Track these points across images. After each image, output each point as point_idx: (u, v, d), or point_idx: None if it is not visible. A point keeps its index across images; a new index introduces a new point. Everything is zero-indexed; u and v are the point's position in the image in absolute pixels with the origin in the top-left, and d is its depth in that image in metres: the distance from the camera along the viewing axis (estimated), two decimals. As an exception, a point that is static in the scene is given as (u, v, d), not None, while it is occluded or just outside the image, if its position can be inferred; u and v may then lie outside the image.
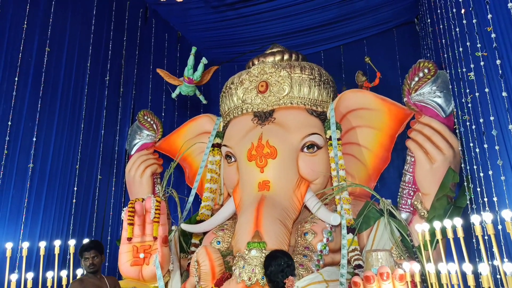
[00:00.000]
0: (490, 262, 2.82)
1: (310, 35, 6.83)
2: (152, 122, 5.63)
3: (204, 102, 5.72)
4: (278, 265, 2.44)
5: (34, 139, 4.34)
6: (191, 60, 5.21)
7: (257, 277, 3.47)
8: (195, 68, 5.26)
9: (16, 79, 4.19)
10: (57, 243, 3.98)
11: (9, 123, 4.09)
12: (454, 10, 3.53)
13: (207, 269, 3.75)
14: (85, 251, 3.22)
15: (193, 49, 5.29)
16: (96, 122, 5.28)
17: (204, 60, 5.17)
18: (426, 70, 4.16)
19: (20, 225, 4.09)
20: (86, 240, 3.84)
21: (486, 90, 2.90)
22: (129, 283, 3.89)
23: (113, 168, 5.51)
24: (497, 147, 2.82)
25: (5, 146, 4.03)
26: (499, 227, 2.78)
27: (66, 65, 4.83)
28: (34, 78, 4.41)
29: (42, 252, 3.83)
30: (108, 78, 5.49)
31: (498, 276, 2.61)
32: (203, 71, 5.28)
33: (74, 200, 4.76)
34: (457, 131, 3.97)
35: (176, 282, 4.02)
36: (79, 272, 3.98)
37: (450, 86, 4.03)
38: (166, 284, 3.89)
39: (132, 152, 5.54)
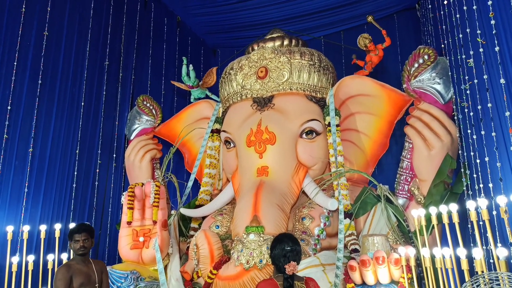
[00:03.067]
0: (484, 247, 2.86)
1: (311, 21, 6.76)
2: (151, 107, 5.63)
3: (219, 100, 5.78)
4: (282, 249, 2.47)
5: (34, 123, 4.35)
6: (183, 70, 5.51)
7: (255, 260, 3.54)
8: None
9: (15, 63, 4.18)
10: (58, 226, 4.03)
11: (9, 107, 4.09)
12: (455, -5, 3.51)
13: (206, 252, 3.80)
14: (76, 233, 3.12)
15: (184, 60, 5.59)
16: (96, 107, 5.27)
17: (184, 61, 5.51)
18: (426, 57, 4.15)
19: (21, 209, 4.13)
20: (78, 224, 3.86)
21: (485, 77, 2.91)
22: (129, 266, 3.94)
23: (113, 153, 5.52)
24: (493, 134, 2.83)
25: (5, 131, 4.04)
26: (494, 213, 2.82)
27: (65, 50, 4.80)
28: (33, 63, 4.39)
29: (42, 235, 3.88)
30: (107, 62, 5.47)
31: (491, 261, 2.66)
32: (195, 73, 5.53)
33: (74, 185, 4.79)
34: (455, 117, 3.98)
35: (175, 265, 4.07)
36: (64, 256, 3.98)
37: (450, 73, 4.03)
38: (165, 267, 3.94)
39: (132, 137, 5.55)
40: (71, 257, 3.37)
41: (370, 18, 5.16)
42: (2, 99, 4.07)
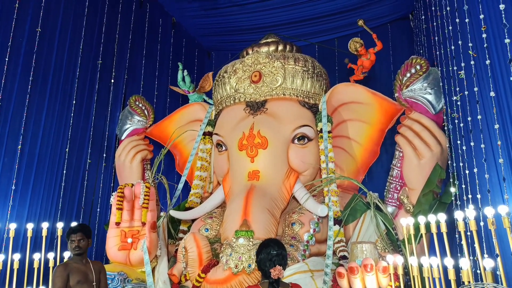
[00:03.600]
0: (471, 257, 2.90)
1: (306, 27, 6.82)
2: (143, 108, 5.60)
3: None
4: (268, 254, 2.46)
5: (24, 120, 4.30)
6: (179, 75, 5.60)
7: (243, 265, 3.53)
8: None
9: (7, 59, 4.14)
10: (45, 225, 3.98)
11: (-1, 103, 4.05)
12: (448, 8, 3.57)
13: (194, 255, 3.79)
14: (71, 234, 3.20)
15: (180, 65, 5.65)
16: (87, 105, 5.24)
17: (180, 67, 5.59)
18: (418, 67, 4.21)
19: (8, 206, 4.08)
20: (74, 223, 3.84)
21: (475, 89, 2.95)
22: (116, 267, 3.91)
23: (103, 152, 5.49)
24: (482, 146, 2.88)
25: (-6, 127, 4.00)
26: (481, 224, 2.85)
27: (58, 47, 4.77)
28: (25, 59, 4.35)
29: (29, 234, 3.82)
30: (100, 61, 5.44)
31: (478, 271, 2.69)
32: (190, 78, 5.63)
33: (63, 183, 4.75)
34: (445, 128, 4.03)
35: (163, 268, 4.05)
36: (67, 254, 3.98)
37: (441, 84, 4.08)
38: (153, 269, 3.92)
39: (123, 137, 5.52)
40: (71, 256, 3.37)
41: (361, 22, 5.21)
42: (-8, 95, 4.03)
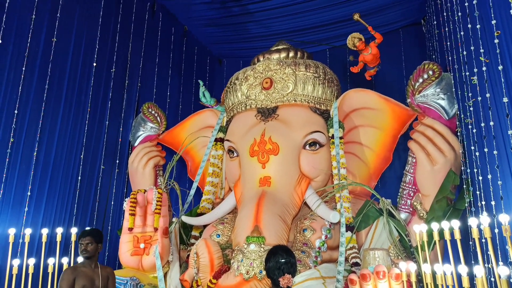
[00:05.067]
0: (485, 265, 2.85)
1: (316, 33, 6.84)
2: (156, 115, 5.66)
3: None
4: (276, 262, 2.45)
5: (40, 128, 4.40)
6: (200, 92, 5.59)
7: (254, 271, 3.53)
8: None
9: (23, 68, 4.24)
10: (59, 230, 4.04)
11: (16, 111, 4.14)
12: (460, 13, 3.55)
13: (206, 261, 3.80)
14: (81, 237, 3.28)
15: (200, 83, 5.66)
16: (101, 113, 5.33)
17: (200, 84, 5.63)
18: (430, 72, 4.18)
19: (23, 212, 4.16)
20: (88, 229, 3.89)
21: (488, 95, 2.93)
22: (128, 272, 3.95)
23: (116, 159, 5.56)
24: (495, 152, 2.84)
25: (11, 134, 4.09)
26: (496, 230, 2.81)
27: (72, 56, 4.87)
28: (40, 68, 4.45)
29: (44, 239, 3.89)
30: (114, 70, 5.53)
31: (492, 279, 2.65)
32: (209, 94, 5.65)
33: (77, 190, 4.82)
34: (459, 133, 3.98)
35: (175, 273, 4.07)
36: (80, 259, 4.02)
37: (454, 89, 4.05)
38: (165, 275, 3.94)
39: (136, 144, 5.59)
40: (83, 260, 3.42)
41: (356, 16, 5.06)
42: (9, 103, 4.12)
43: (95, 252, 3.28)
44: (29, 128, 4.31)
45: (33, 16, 4.36)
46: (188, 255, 4.26)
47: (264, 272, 3.49)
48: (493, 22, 2.75)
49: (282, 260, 2.44)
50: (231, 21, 6.73)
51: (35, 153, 4.33)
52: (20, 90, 4.19)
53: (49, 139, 4.54)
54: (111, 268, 3.46)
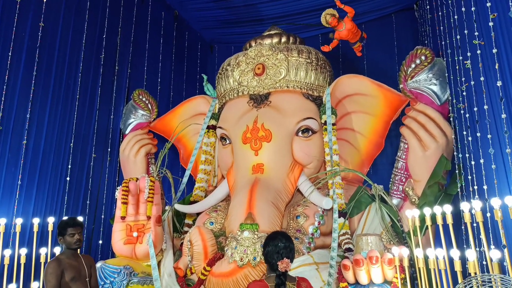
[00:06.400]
0: (477, 249, 2.88)
1: (308, 18, 6.75)
2: (147, 102, 5.59)
3: None
4: (275, 246, 2.46)
5: (28, 115, 4.30)
6: (204, 86, 5.46)
7: (248, 257, 3.54)
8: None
9: (10, 54, 4.12)
10: (51, 220, 4.01)
11: (3, 98, 4.04)
12: (454, -3, 3.52)
13: (199, 249, 3.80)
14: (70, 227, 3.15)
15: (205, 77, 5.51)
16: (91, 100, 5.23)
17: (204, 77, 5.49)
18: (423, 57, 4.16)
19: (14, 201, 4.09)
20: (80, 218, 3.85)
21: (482, 78, 2.92)
22: (122, 261, 3.92)
23: (107, 146, 5.49)
24: (489, 136, 2.85)
25: (-1, 122, 4.01)
26: (488, 214, 2.84)
27: (60, 42, 4.75)
28: (28, 54, 4.33)
29: (35, 229, 3.86)
30: (103, 56, 5.42)
31: (484, 263, 2.68)
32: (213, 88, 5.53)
33: (68, 178, 4.76)
34: (451, 119, 3.99)
35: (168, 261, 4.06)
36: (56, 250, 3.96)
37: (446, 74, 4.04)
38: (158, 263, 3.93)
39: (127, 132, 5.52)
40: (63, 250, 3.35)
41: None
42: (-4, 90, 4.02)
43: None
44: (17, 116, 4.21)
45: (18, 0, 4.23)
46: (182, 243, 4.25)
47: (258, 259, 3.51)
48: (488, 4, 2.72)
49: (281, 245, 2.45)
50: (222, 5, 6.61)
51: (24, 142, 4.25)
52: (7, 76, 4.09)
53: (38, 127, 4.44)
54: (91, 256, 3.45)
